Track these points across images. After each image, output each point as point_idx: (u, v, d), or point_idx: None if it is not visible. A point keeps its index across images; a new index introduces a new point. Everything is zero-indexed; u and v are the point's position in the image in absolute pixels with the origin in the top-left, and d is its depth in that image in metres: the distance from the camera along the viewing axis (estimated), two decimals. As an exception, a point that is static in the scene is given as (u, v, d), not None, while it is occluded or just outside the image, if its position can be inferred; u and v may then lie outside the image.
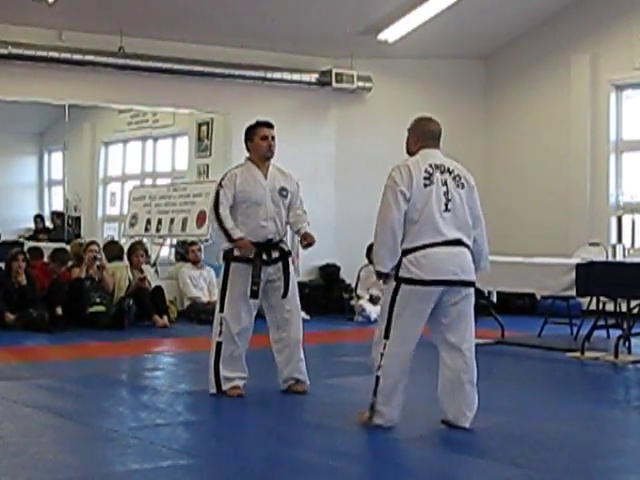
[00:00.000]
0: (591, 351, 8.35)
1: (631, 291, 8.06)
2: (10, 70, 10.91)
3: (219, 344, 6.22)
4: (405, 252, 5.18)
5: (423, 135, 5.41)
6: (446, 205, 5.18)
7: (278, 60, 12.52)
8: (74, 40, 11.24)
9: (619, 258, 8.78)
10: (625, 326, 8.36)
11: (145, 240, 12.57)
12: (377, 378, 5.21)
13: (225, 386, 6.22)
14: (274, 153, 6.38)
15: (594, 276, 8.25)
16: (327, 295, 12.45)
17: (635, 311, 8.44)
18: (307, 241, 6.32)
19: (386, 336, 5.18)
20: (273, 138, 6.37)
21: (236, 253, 6.20)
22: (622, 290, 8.14)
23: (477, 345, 9.00)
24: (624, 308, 8.55)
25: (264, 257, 6.19)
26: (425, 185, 5.16)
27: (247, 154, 6.46)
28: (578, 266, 8.37)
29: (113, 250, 11.38)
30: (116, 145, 16.37)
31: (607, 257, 8.88)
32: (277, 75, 12.45)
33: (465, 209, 5.26)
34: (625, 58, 11.99)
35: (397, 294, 5.17)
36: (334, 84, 12.69)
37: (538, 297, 10.53)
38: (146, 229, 13.04)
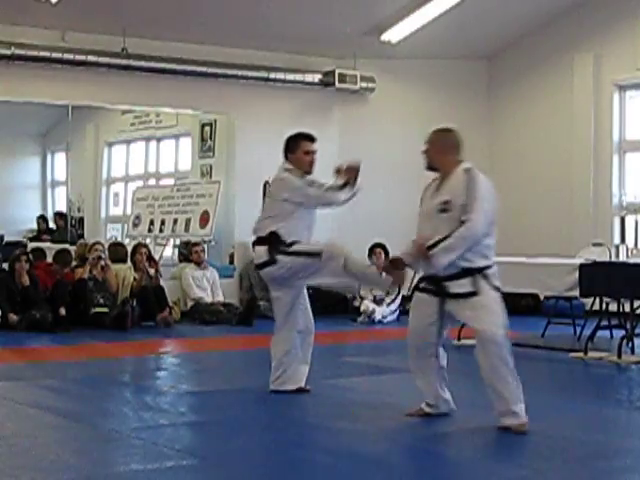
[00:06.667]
0: (594, 351, 8.34)
1: (634, 291, 8.06)
2: (13, 71, 10.92)
3: None
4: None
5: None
6: None
7: (281, 60, 12.51)
8: (77, 41, 11.24)
9: (622, 258, 8.77)
10: (628, 326, 8.34)
11: (148, 240, 12.59)
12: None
13: None
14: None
15: (597, 276, 8.25)
16: (331, 296, 12.43)
17: (638, 311, 8.42)
18: None
19: None
20: (315, 153, 6.36)
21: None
22: (625, 290, 8.13)
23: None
24: (627, 308, 8.53)
25: None
26: None
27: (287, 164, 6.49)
28: (581, 266, 8.36)
29: (118, 252, 11.38)
30: (119, 146, 16.38)
31: (610, 257, 8.86)
32: (280, 75, 12.44)
33: None
34: (628, 58, 11.97)
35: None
36: (337, 85, 12.67)
37: (541, 297, 10.50)
38: (149, 230, 13.05)
